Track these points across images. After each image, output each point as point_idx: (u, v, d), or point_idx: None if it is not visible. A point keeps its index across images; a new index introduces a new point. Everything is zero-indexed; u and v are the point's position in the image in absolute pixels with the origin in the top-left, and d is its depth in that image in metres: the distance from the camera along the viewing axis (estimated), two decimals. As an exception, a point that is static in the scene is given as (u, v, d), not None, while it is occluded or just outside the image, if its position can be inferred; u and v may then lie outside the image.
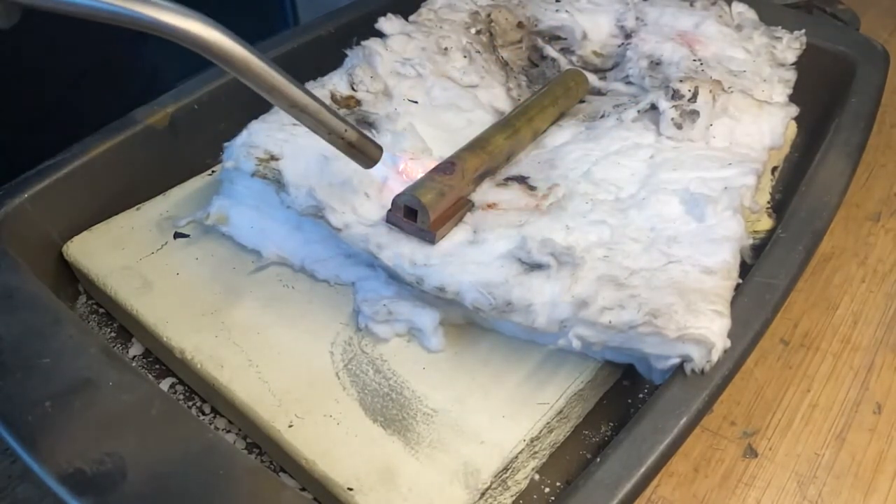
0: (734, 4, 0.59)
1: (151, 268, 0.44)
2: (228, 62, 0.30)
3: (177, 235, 0.46)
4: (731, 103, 0.49)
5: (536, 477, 0.38)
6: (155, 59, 0.67)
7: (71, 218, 0.45)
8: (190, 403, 0.42)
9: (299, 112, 0.33)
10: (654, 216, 0.42)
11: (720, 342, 0.35)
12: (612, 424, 0.41)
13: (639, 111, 0.49)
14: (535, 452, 0.38)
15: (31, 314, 0.36)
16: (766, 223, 0.48)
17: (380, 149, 0.38)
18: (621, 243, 0.40)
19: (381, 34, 0.53)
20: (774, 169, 0.54)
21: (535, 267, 0.38)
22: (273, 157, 0.43)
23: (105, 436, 0.32)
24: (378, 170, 0.40)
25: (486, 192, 0.45)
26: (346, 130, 0.35)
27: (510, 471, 0.36)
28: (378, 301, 0.41)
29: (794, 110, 0.51)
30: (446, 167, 0.42)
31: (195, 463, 0.31)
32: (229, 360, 0.39)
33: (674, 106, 0.48)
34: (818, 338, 0.48)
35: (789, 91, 0.53)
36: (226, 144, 0.45)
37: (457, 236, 0.41)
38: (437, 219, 0.40)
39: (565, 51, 0.58)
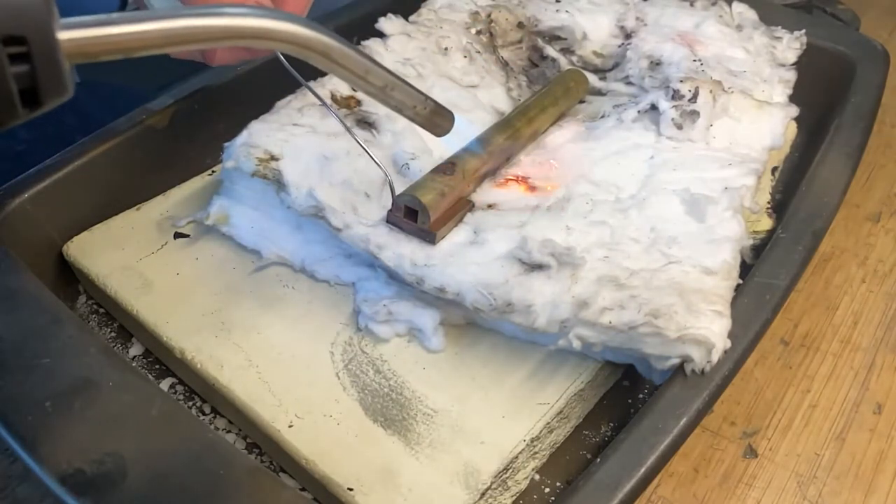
0: (734, 4, 0.59)
1: (151, 268, 0.44)
2: (327, 56, 0.28)
3: (177, 235, 0.46)
4: (731, 103, 0.49)
5: (536, 477, 0.38)
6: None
7: (71, 218, 0.45)
8: (190, 403, 0.42)
9: (388, 92, 0.32)
10: (654, 216, 0.42)
11: (720, 342, 0.35)
12: (612, 425, 0.41)
13: (639, 111, 0.49)
14: (536, 452, 0.38)
15: (31, 314, 0.36)
16: (766, 223, 0.48)
17: (451, 116, 0.38)
18: (621, 244, 0.40)
19: (381, 34, 0.53)
20: (774, 169, 0.54)
21: (536, 267, 0.38)
22: (273, 157, 0.43)
23: (105, 436, 0.32)
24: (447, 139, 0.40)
25: (486, 192, 0.45)
26: (426, 100, 0.35)
27: (510, 471, 0.36)
28: (378, 301, 0.41)
29: (794, 110, 0.51)
30: (446, 167, 0.42)
31: (195, 463, 0.31)
32: (229, 360, 0.39)
33: (674, 106, 0.48)
34: (818, 338, 0.48)
35: (789, 91, 0.53)
36: (226, 144, 0.45)
37: (457, 236, 0.41)
38: (437, 219, 0.40)
39: (565, 51, 0.58)
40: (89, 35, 0.22)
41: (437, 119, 0.36)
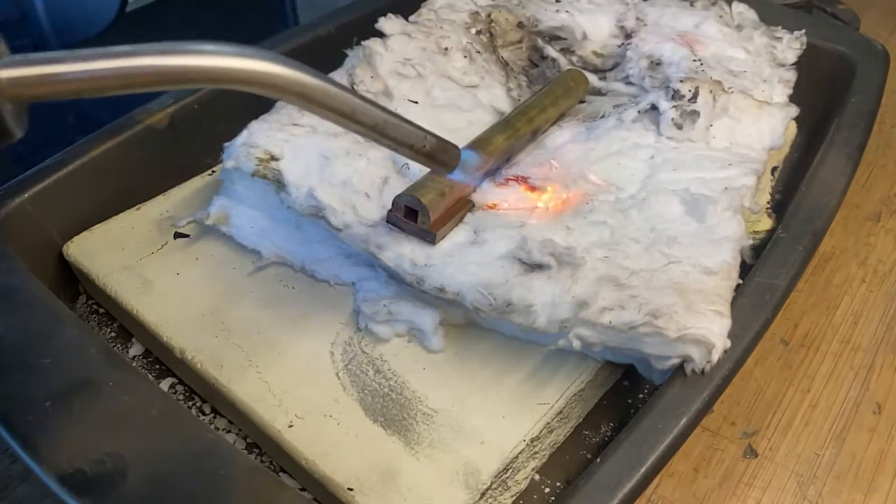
0: (734, 4, 0.59)
1: (151, 268, 0.44)
2: (303, 97, 0.24)
3: (177, 235, 0.46)
4: (731, 103, 0.49)
5: (536, 477, 0.38)
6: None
7: (71, 218, 0.45)
8: (190, 403, 0.42)
9: (381, 131, 0.29)
10: (654, 217, 0.42)
11: (720, 342, 0.35)
12: (612, 424, 0.41)
13: (639, 111, 0.49)
14: (536, 452, 0.38)
15: (31, 314, 0.36)
16: (766, 223, 0.48)
17: (457, 151, 0.34)
18: (621, 244, 0.40)
19: (381, 34, 0.53)
20: (774, 169, 0.54)
21: (536, 267, 0.38)
22: (273, 157, 0.43)
23: (105, 436, 0.32)
24: (455, 175, 0.36)
25: (486, 193, 0.45)
26: (426, 137, 0.31)
27: (510, 471, 0.36)
28: (378, 301, 0.41)
29: (794, 110, 0.51)
30: (446, 167, 0.42)
31: (195, 463, 0.31)
32: (229, 360, 0.39)
33: (674, 106, 0.48)
34: (818, 338, 0.49)
35: (789, 91, 0.53)
36: (226, 144, 0.45)
37: (457, 236, 0.41)
38: (437, 219, 0.40)
39: (565, 51, 0.58)
40: (33, 74, 0.20)
41: (440, 156, 0.33)
